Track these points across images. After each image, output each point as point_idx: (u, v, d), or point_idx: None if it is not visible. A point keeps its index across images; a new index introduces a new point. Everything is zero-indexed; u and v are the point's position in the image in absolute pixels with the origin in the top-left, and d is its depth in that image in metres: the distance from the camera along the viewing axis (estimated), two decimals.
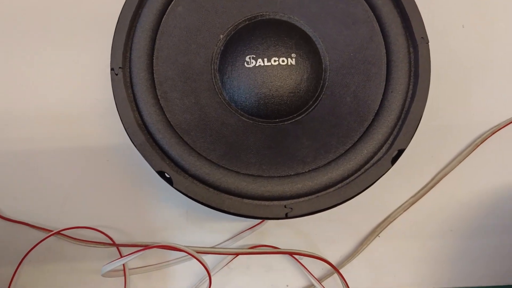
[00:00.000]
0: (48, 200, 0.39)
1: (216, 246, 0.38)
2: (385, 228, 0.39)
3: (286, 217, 0.31)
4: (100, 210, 0.39)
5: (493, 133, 0.39)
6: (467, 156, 0.39)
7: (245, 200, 0.31)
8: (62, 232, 0.37)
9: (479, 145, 0.39)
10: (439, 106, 0.40)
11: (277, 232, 0.39)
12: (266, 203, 0.31)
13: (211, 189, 0.31)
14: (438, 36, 0.41)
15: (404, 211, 0.39)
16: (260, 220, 0.38)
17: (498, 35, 0.41)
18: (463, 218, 0.39)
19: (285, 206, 0.31)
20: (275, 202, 0.31)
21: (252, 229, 0.38)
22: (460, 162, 0.39)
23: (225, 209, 0.31)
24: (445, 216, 0.39)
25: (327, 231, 0.39)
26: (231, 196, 0.31)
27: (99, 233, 0.38)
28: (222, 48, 0.35)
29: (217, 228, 0.39)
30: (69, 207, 0.39)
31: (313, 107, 0.34)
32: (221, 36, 0.35)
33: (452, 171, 0.39)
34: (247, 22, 0.35)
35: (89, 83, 0.40)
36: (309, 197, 0.31)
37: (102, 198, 0.39)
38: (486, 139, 0.39)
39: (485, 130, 0.40)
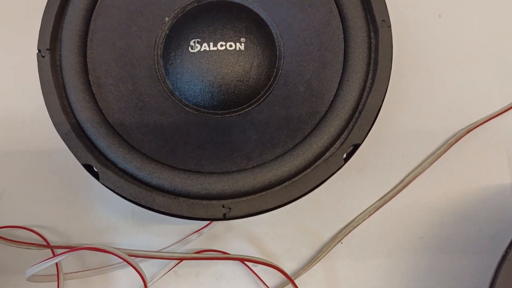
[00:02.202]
0: None
1: (159, 250, 0.34)
2: (347, 234, 0.35)
3: (224, 218, 0.27)
4: (38, 209, 0.36)
5: (468, 132, 0.36)
6: (440, 156, 0.36)
7: (180, 199, 0.28)
8: None
9: (452, 145, 0.36)
10: (411, 101, 0.37)
11: (229, 236, 0.35)
12: (203, 202, 0.28)
13: (142, 185, 0.28)
14: (413, 25, 0.38)
15: (369, 216, 0.35)
16: (208, 222, 0.35)
17: (476, 25, 0.38)
18: (434, 224, 0.35)
19: (223, 206, 0.28)
20: (213, 202, 0.28)
21: (199, 232, 0.35)
22: (432, 163, 0.36)
23: (156, 208, 0.28)
24: (414, 222, 0.35)
25: (284, 236, 0.35)
26: (164, 194, 0.28)
27: (34, 233, 0.35)
28: (167, 32, 0.32)
29: (165, 231, 0.36)
30: (3, 205, 0.35)
31: (264, 97, 0.31)
32: (167, 19, 0.32)
33: (423, 173, 0.36)
34: (195, 3, 0.32)
35: (24, 73, 0.36)
36: (251, 196, 0.28)
37: (40, 196, 0.36)
38: (461, 138, 0.36)
39: (460, 128, 0.36)
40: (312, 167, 0.28)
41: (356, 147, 0.28)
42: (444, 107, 0.37)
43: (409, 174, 0.36)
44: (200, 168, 0.29)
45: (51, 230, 0.36)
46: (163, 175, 0.28)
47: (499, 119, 0.36)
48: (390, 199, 0.36)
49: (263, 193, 0.28)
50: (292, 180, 0.28)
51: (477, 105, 0.37)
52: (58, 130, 0.28)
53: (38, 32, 0.30)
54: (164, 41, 0.32)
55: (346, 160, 0.28)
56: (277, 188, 0.28)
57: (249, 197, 0.28)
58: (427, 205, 0.36)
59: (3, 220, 0.35)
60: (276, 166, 0.28)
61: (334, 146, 0.29)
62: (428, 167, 0.36)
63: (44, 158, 0.37)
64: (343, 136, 0.29)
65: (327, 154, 0.29)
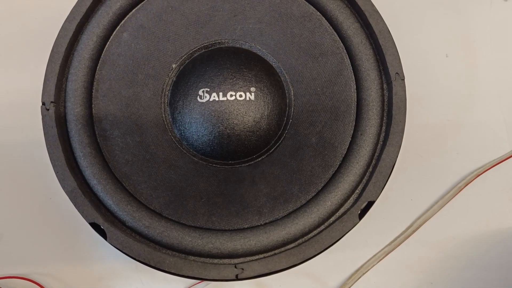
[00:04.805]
0: None
1: None
2: (356, 281, 0.34)
3: (237, 278, 0.27)
4: (37, 255, 0.34)
5: (478, 176, 0.35)
6: (449, 200, 0.35)
7: (190, 257, 0.27)
8: None
9: (462, 189, 0.35)
10: (419, 143, 0.36)
11: (236, 284, 0.34)
12: (214, 261, 0.27)
13: (151, 244, 0.27)
14: (420, 66, 0.38)
15: (378, 262, 0.35)
16: None
17: (484, 64, 0.38)
18: (444, 269, 0.35)
19: (235, 266, 0.27)
20: (225, 260, 0.27)
21: (206, 282, 0.34)
22: (441, 207, 0.35)
23: (166, 269, 0.27)
24: (424, 268, 0.35)
25: (292, 284, 0.35)
26: (174, 253, 0.27)
27: (33, 283, 0.34)
28: (174, 79, 0.31)
29: (169, 278, 0.35)
30: (1, 251, 0.34)
31: (274, 147, 0.30)
32: (174, 66, 0.31)
33: (433, 217, 0.35)
34: (203, 50, 0.31)
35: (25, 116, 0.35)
36: (264, 254, 0.27)
37: (39, 242, 0.35)
38: (470, 182, 0.35)
39: (469, 171, 0.36)
40: (325, 224, 0.28)
41: (370, 204, 0.28)
42: (453, 150, 0.36)
43: (418, 218, 0.35)
44: (210, 225, 0.28)
45: (51, 276, 0.35)
46: (173, 234, 0.27)
47: (508, 162, 0.36)
48: (399, 244, 0.35)
49: (277, 251, 0.27)
50: (306, 237, 0.27)
51: (486, 148, 0.36)
52: (63, 187, 0.27)
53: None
54: (171, 88, 0.31)
55: (360, 217, 0.27)
56: (290, 245, 0.27)
57: (261, 256, 0.27)
58: (436, 249, 0.35)
59: (1, 268, 0.34)
60: (289, 223, 0.27)
61: (348, 202, 0.28)
62: (438, 211, 0.35)
63: (44, 201, 0.35)
64: (357, 191, 0.28)
65: (341, 210, 0.28)
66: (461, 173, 0.36)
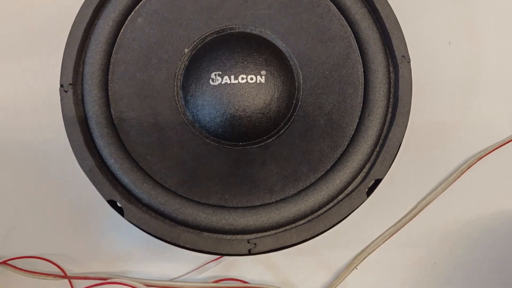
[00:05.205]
0: None
1: (177, 279, 0.35)
2: (363, 260, 0.36)
3: (249, 253, 0.28)
4: (52, 238, 0.35)
5: (480, 159, 0.36)
6: (452, 182, 0.36)
7: (204, 234, 0.28)
8: (8, 262, 0.34)
9: (465, 171, 0.36)
10: (423, 127, 0.37)
11: (246, 263, 0.36)
12: (228, 237, 0.28)
13: (167, 221, 0.28)
14: (423, 53, 0.39)
15: (384, 241, 0.36)
16: None
17: (487, 52, 0.39)
18: (447, 250, 0.36)
19: (248, 241, 0.28)
20: (238, 236, 0.28)
21: (217, 261, 0.35)
22: (444, 189, 0.36)
23: (181, 244, 0.28)
24: (428, 248, 0.36)
25: (300, 263, 0.36)
26: (188, 229, 0.28)
27: (50, 263, 0.35)
28: (186, 63, 0.32)
29: (181, 258, 0.36)
30: (17, 234, 0.35)
31: (284, 129, 0.31)
32: (186, 50, 0.32)
33: (436, 199, 0.36)
34: (214, 35, 0.32)
35: (38, 102, 0.36)
36: (275, 231, 0.28)
37: (55, 224, 0.36)
38: (473, 164, 0.36)
39: (471, 155, 0.37)
40: (334, 201, 0.29)
41: (378, 181, 0.29)
42: (455, 134, 0.37)
43: (422, 200, 0.36)
44: (223, 203, 0.29)
45: (65, 258, 0.36)
46: (188, 211, 0.28)
47: (509, 146, 0.37)
48: (403, 225, 0.36)
49: (287, 227, 0.28)
50: (315, 214, 0.28)
51: (487, 132, 0.37)
52: (81, 166, 0.28)
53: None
54: (183, 72, 0.32)
55: (368, 194, 0.28)
56: (301, 222, 0.28)
57: (273, 232, 0.28)
58: (440, 231, 0.36)
59: (18, 250, 0.35)
60: (300, 200, 0.28)
61: (356, 180, 0.29)
62: (441, 193, 0.36)
63: (59, 185, 0.36)
64: (364, 170, 0.29)
65: (349, 188, 0.29)
66: (463, 156, 0.37)
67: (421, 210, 0.36)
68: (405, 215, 0.36)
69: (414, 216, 0.36)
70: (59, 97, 0.29)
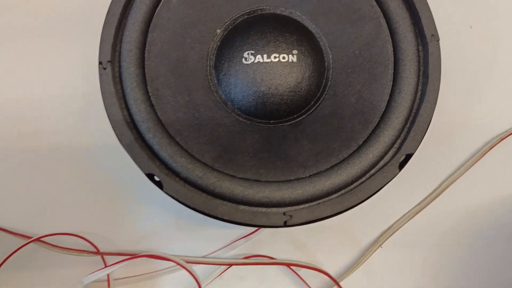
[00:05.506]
0: (27, 204, 0.36)
1: (208, 256, 0.35)
2: (388, 238, 0.36)
3: (285, 225, 0.28)
4: (83, 216, 0.36)
5: (502, 140, 0.37)
6: (475, 163, 0.37)
7: (241, 207, 0.29)
8: (42, 239, 0.35)
9: (487, 152, 0.37)
10: (445, 110, 0.38)
11: (273, 241, 0.36)
12: (264, 210, 0.29)
13: (204, 194, 0.29)
14: (444, 36, 0.39)
15: (408, 221, 0.37)
16: (256, 228, 0.36)
17: (507, 37, 0.39)
18: (471, 228, 0.37)
19: (284, 214, 0.29)
20: (273, 209, 0.29)
21: (246, 238, 0.35)
22: (467, 169, 0.37)
23: (219, 216, 0.28)
24: (452, 227, 0.37)
25: (326, 241, 0.36)
26: (225, 202, 0.29)
27: (82, 240, 0.35)
28: (218, 44, 0.33)
29: (209, 236, 0.37)
30: (50, 212, 0.36)
31: (314, 107, 0.32)
32: (218, 31, 0.33)
33: (459, 179, 0.37)
34: (245, 16, 0.33)
35: (73, 79, 0.37)
36: (310, 204, 0.29)
37: (85, 202, 0.36)
38: (495, 145, 0.37)
39: (493, 136, 0.38)
40: (367, 176, 0.30)
41: (409, 156, 0.29)
42: (477, 115, 0.38)
43: (445, 180, 0.37)
44: (259, 177, 0.30)
45: (96, 236, 0.36)
46: (225, 184, 0.29)
47: None
48: (427, 204, 0.37)
49: (321, 200, 0.29)
50: (348, 188, 0.29)
51: (509, 113, 0.38)
52: (120, 141, 0.29)
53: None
54: (216, 52, 0.32)
55: (400, 168, 0.29)
56: (334, 195, 0.29)
57: (307, 205, 0.29)
58: (463, 210, 0.37)
59: (48, 227, 0.36)
60: (333, 174, 0.29)
61: (387, 155, 0.30)
62: (464, 173, 0.37)
63: (89, 162, 0.37)
64: (395, 146, 0.30)
65: (381, 163, 0.30)
66: (485, 138, 0.38)
67: (444, 189, 0.37)
68: (428, 195, 0.37)
69: (437, 196, 0.37)
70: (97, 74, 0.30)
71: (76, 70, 0.37)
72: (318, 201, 0.29)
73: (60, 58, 0.38)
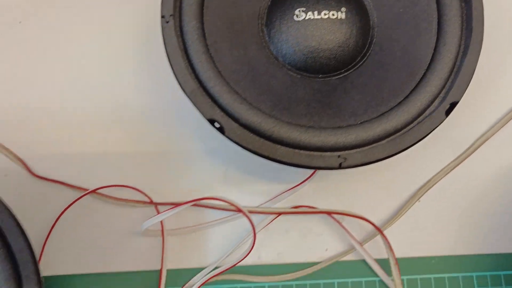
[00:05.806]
0: (83, 159, 0.38)
1: (258, 206, 0.37)
2: (425, 192, 0.38)
3: (340, 167, 0.30)
4: (135, 171, 0.38)
5: None
6: (508, 121, 0.39)
7: (298, 150, 0.31)
8: (98, 191, 0.36)
9: None
10: (485, 64, 0.40)
11: (315, 195, 0.38)
12: (319, 153, 0.31)
13: (262, 139, 0.31)
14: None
15: (445, 175, 0.38)
16: (300, 182, 0.37)
17: None
18: (506, 184, 0.39)
19: (338, 156, 0.30)
20: (328, 153, 0.31)
21: (292, 190, 0.37)
22: (502, 126, 0.39)
23: (278, 158, 0.30)
24: (487, 182, 0.39)
25: (366, 195, 0.38)
26: (283, 146, 0.31)
27: (136, 191, 0.37)
28: (269, 3, 0.34)
29: (255, 190, 0.38)
30: (104, 166, 0.38)
31: (361, 63, 0.34)
32: None
33: (494, 135, 0.39)
34: None
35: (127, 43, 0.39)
36: (362, 148, 0.31)
37: (136, 158, 0.38)
38: None
39: None
40: (415, 122, 0.31)
41: (454, 104, 0.31)
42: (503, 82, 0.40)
43: (480, 136, 0.39)
44: (313, 124, 0.32)
45: (147, 190, 0.38)
46: (283, 129, 0.31)
47: None
48: (463, 160, 0.39)
49: (374, 145, 0.31)
50: (399, 133, 0.31)
51: None
52: (184, 89, 0.31)
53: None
54: (266, 11, 0.34)
55: (446, 115, 0.31)
56: (385, 140, 0.31)
57: (359, 149, 0.31)
58: (498, 166, 0.39)
59: (104, 181, 0.37)
60: (384, 120, 0.31)
61: (434, 104, 0.32)
62: (499, 130, 0.39)
63: (140, 125, 0.39)
64: (441, 94, 0.32)
65: (428, 111, 0.32)
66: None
67: (480, 145, 0.39)
68: (465, 150, 0.39)
69: (473, 152, 0.39)
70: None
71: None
72: (371, 146, 0.31)
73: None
